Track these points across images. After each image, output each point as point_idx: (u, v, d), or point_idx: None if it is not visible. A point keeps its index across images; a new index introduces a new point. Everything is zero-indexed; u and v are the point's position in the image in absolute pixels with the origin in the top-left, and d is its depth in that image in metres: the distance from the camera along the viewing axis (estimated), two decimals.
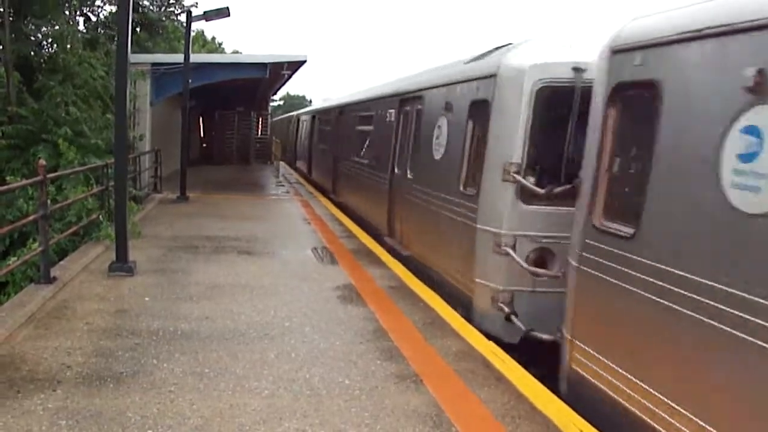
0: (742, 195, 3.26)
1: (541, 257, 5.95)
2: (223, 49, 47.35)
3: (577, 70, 5.70)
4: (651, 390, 3.76)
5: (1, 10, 12.90)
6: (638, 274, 3.92)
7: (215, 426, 3.83)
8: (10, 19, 13.23)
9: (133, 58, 12.07)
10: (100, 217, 9.34)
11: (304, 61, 19.17)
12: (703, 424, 3.37)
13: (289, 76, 22.39)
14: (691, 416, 3.47)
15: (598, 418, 4.15)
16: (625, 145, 4.49)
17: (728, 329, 3.25)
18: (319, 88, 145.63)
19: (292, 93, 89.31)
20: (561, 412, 4.20)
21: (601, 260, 4.32)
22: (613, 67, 4.44)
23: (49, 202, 7.16)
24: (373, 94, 12.89)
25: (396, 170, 10.02)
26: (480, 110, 6.73)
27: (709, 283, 3.39)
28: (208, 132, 31.28)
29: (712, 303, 3.37)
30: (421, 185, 8.54)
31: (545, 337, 5.42)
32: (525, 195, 5.92)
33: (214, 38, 46.23)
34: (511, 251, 5.94)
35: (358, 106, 13.96)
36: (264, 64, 17.59)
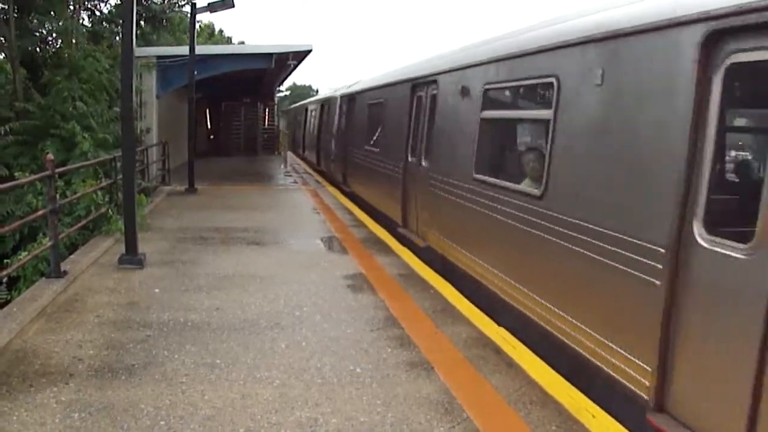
0: None
1: None
2: (231, 41, 47.14)
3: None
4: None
5: (6, 6, 12.91)
6: (357, 159, 13.83)
7: (227, 416, 3.83)
8: (15, 15, 13.24)
9: (138, 51, 12.07)
10: (109, 210, 9.36)
11: (310, 51, 19.11)
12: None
13: (295, 66, 22.32)
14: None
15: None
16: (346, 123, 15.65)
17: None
18: (325, 77, 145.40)
19: (298, 83, 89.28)
20: (573, 397, 4.17)
21: (351, 155, 14.25)
22: (341, 100, 16.27)
23: (57, 196, 7.18)
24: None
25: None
26: (334, 110, 16.51)
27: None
28: (215, 123, 31.28)
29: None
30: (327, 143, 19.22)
31: None
32: (339, 142, 16.04)
33: (221, 31, 46.08)
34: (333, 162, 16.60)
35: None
36: (269, 55, 17.55)
